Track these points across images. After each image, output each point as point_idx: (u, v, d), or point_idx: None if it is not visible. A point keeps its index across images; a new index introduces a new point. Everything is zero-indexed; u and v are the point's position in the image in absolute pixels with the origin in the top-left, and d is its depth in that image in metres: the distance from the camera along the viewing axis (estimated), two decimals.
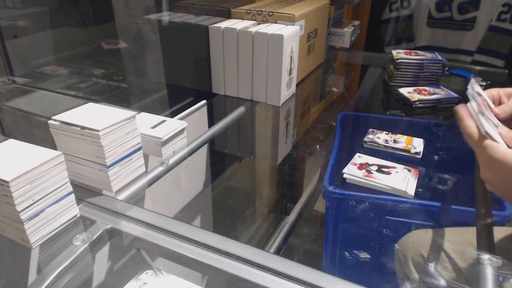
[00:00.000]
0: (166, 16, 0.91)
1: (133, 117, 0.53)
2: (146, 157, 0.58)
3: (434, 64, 1.05)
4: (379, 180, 0.68)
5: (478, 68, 1.19)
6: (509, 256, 0.57)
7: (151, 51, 0.92)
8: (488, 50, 1.51)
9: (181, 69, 0.94)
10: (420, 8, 1.60)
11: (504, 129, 0.46)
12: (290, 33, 0.84)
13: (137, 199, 0.57)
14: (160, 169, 0.63)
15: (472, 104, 0.50)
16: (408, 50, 1.09)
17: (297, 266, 0.41)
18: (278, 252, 0.81)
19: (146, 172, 0.60)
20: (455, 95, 0.97)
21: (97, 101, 0.64)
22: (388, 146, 0.80)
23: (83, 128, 0.49)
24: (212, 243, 0.44)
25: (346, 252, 0.75)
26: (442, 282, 0.58)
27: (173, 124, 0.63)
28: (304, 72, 1.05)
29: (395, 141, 0.82)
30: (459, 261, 0.60)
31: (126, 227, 0.48)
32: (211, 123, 0.86)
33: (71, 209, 0.48)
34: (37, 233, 0.44)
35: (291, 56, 0.88)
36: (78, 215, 0.49)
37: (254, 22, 0.91)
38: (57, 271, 0.42)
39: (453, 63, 1.18)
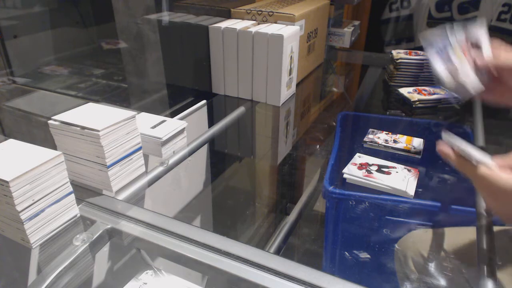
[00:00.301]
0: (166, 16, 0.91)
1: (133, 117, 0.53)
2: (146, 157, 0.58)
3: None
4: (379, 180, 0.68)
5: None
6: (509, 256, 0.57)
7: (151, 51, 0.92)
8: None
9: (181, 69, 0.94)
10: (420, 8, 1.60)
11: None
12: (290, 33, 0.84)
13: (137, 199, 0.57)
14: (160, 169, 0.63)
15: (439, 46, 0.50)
16: (408, 50, 1.09)
17: (297, 266, 0.41)
18: (278, 252, 0.81)
19: (146, 172, 0.60)
20: (455, 95, 0.97)
21: (97, 101, 0.64)
22: (388, 146, 0.80)
23: (83, 128, 0.49)
24: (212, 243, 0.44)
25: (346, 252, 0.75)
26: (442, 282, 0.58)
27: (173, 124, 0.63)
28: (304, 72, 1.05)
29: (395, 141, 0.82)
30: (459, 261, 0.60)
31: (126, 227, 0.48)
32: (211, 123, 0.86)
33: (71, 209, 0.48)
34: (37, 233, 0.44)
35: (291, 56, 0.88)
36: (78, 215, 0.49)
37: (254, 22, 0.91)
38: (57, 271, 0.42)
39: None
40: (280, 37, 0.81)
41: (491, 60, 0.55)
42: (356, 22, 1.31)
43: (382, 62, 1.21)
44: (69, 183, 0.47)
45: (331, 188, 0.69)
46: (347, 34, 1.21)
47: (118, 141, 0.51)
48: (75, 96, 0.92)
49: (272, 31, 0.82)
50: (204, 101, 0.86)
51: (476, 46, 0.57)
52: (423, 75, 1.06)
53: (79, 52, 1.05)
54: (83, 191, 0.54)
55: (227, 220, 1.12)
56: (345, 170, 0.71)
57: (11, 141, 0.47)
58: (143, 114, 0.66)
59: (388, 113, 1.00)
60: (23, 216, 0.42)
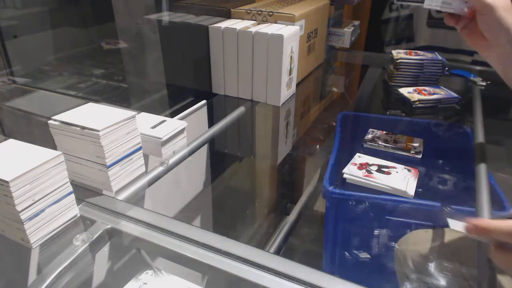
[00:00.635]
0: (166, 16, 0.91)
1: (133, 117, 0.53)
2: (146, 157, 0.58)
3: (434, 64, 1.05)
4: (379, 180, 0.68)
5: (478, 68, 1.19)
6: None
7: (151, 51, 0.91)
8: None
9: (181, 69, 0.94)
10: (420, 8, 1.60)
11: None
12: (290, 33, 0.84)
13: (137, 199, 0.57)
14: (160, 169, 0.63)
15: None
16: (408, 50, 1.09)
17: (297, 266, 0.41)
18: (278, 252, 0.81)
19: (146, 172, 0.60)
20: (455, 95, 0.97)
21: (97, 101, 0.64)
22: (388, 146, 0.80)
23: (83, 128, 0.49)
24: (212, 243, 0.44)
25: (346, 252, 0.75)
26: (442, 282, 0.58)
27: (173, 124, 0.63)
28: (304, 72, 1.05)
29: (395, 141, 0.82)
30: (459, 261, 0.60)
31: (126, 227, 0.48)
32: (211, 123, 0.86)
33: (71, 209, 0.48)
34: (37, 233, 0.44)
35: (291, 56, 0.88)
36: (78, 215, 0.49)
37: (254, 22, 0.91)
38: (57, 271, 0.42)
39: (453, 63, 1.18)
40: (280, 37, 0.81)
41: None
42: (356, 22, 1.31)
43: (382, 62, 1.21)
44: (69, 183, 0.47)
45: (331, 188, 0.69)
46: (347, 34, 1.21)
47: (118, 141, 0.51)
48: (75, 96, 0.92)
49: (272, 31, 0.82)
50: (204, 101, 0.86)
51: None
52: (423, 75, 1.06)
53: (79, 52, 1.05)
54: (83, 191, 0.54)
55: (227, 220, 1.12)
56: (345, 170, 0.71)
57: (11, 141, 0.47)
58: (143, 114, 0.66)
59: (388, 113, 1.00)
60: (23, 216, 0.42)
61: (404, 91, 0.99)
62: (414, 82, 1.06)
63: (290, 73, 0.90)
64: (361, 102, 1.12)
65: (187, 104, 0.85)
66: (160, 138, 0.59)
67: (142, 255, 0.50)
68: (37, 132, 0.78)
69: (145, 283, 0.46)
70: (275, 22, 0.91)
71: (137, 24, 0.88)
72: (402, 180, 0.68)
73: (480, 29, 0.58)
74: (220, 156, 0.98)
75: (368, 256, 0.73)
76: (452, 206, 0.65)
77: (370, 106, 1.10)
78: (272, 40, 0.82)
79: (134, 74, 0.96)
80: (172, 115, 0.78)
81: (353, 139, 0.89)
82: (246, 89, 0.91)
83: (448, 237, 0.65)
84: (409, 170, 0.71)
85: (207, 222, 0.99)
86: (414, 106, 0.94)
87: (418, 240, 0.67)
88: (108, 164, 0.50)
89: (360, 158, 0.75)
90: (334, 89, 1.26)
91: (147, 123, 0.62)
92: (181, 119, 0.74)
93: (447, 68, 1.09)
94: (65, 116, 0.51)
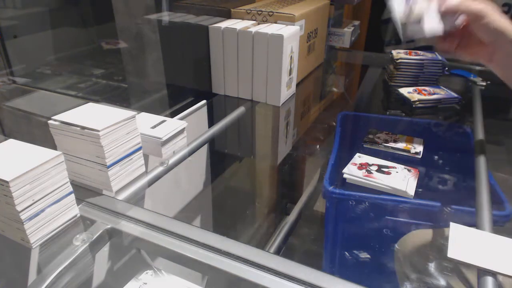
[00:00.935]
0: (166, 16, 0.91)
1: (133, 117, 0.53)
2: (146, 157, 0.58)
3: (434, 64, 1.05)
4: (379, 180, 0.68)
5: (478, 68, 1.19)
6: None
7: (151, 51, 0.91)
8: None
9: (181, 69, 0.94)
10: None
11: None
12: (290, 33, 0.84)
13: (137, 199, 0.57)
14: (160, 169, 0.63)
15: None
16: (408, 50, 1.09)
17: (297, 266, 0.41)
18: (278, 252, 0.81)
19: (146, 172, 0.60)
20: (455, 95, 0.97)
21: (97, 101, 0.64)
22: (388, 146, 0.80)
23: (83, 128, 0.49)
24: (212, 243, 0.44)
25: (346, 252, 0.75)
26: (442, 282, 0.58)
27: (173, 124, 0.63)
28: (304, 72, 1.05)
29: (395, 141, 0.82)
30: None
31: (126, 227, 0.48)
32: (211, 123, 0.86)
33: (71, 209, 0.48)
34: (37, 233, 0.44)
35: (291, 56, 0.88)
36: (78, 215, 0.49)
37: (254, 22, 0.91)
38: (57, 271, 0.42)
39: (453, 63, 1.18)
40: (280, 37, 0.81)
41: (455, 4, 0.57)
42: (356, 22, 1.31)
43: (382, 62, 1.21)
44: (69, 183, 0.47)
45: (331, 188, 0.69)
46: (347, 34, 1.21)
47: (118, 141, 0.51)
48: (75, 96, 0.92)
49: (272, 31, 0.82)
50: (204, 101, 0.86)
51: None
52: (423, 75, 1.06)
53: (79, 52, 1.05)
54: (83, 191, 0.54)
55: (227, 220, 1.12)
56: (345, 170, 0.71)
57: (11, 141, 0.47)
58: (143, 114, 0.66)
59: (388, 113, 1.00)
60: (23, 216, 0.42)
61: (404, 91, 0.99)
62: (414, 82, 1.06)
63: (290, 73, 0.90)
64: (361, 102, 1.12)
65: (187, 104, 0.85)
66: (160, 138, 0.59)
67: (142, 255, 0.50)
68: (37, 132, 0.78)
69: (145, 283, 0.46)
70: (275, 22, 0.91)
71: (137, 24, 0.88)
72: (402, 180, 0.68)
73: (479, 36, 0.58)
74: (220, 156, 0.98)
75: (368, 256, 0.73)
76: (452, 206, 0.65)
77: (370, 106, 1.10)
78: (272, 40, 0.82)
79: (134, 74, 0.96)
80: (172, 115, 0.78)
81: (353, 139, 0.89)
82: (246, 89, 0.91)
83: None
84: (409, 170, 0.71)
85: (207, 222, 0.99)
86: (414, 106, 0.94)
87: (418, 240, 0.67)
88: (108, 164, 0.50)
89: (360, 158, 0.75)
90: (334, 89, 1.26)
91: (147, 123, 0.62)
92: (181, 119, 0.74)
93: (447, 68, 1.09)
94: (65, 116, 0.51)
